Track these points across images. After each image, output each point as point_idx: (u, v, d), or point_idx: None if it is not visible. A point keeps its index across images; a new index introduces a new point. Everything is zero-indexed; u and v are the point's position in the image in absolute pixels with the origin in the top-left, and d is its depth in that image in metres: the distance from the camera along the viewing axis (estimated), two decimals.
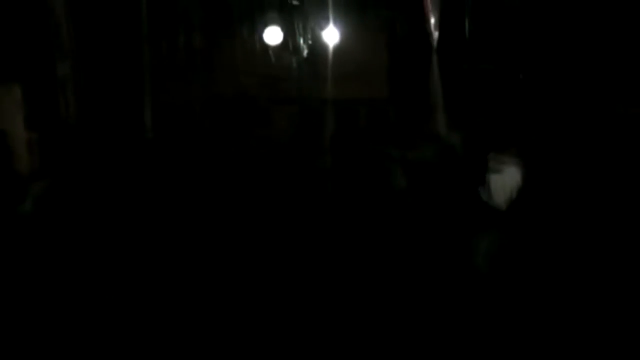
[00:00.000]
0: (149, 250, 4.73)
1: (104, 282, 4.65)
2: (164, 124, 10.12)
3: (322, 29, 10.67)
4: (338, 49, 10.60)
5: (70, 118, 9.27)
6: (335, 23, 10.57)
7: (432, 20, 8.59)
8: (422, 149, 5.95)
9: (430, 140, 7.54)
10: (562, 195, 5.21)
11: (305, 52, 10.91)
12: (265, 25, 10.81)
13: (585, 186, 5.28)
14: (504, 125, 8.56)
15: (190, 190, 7.17)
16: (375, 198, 5.93)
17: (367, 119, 11.50)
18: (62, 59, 9.18)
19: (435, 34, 8.61)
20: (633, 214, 4.57)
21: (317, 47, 10.85)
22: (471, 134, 8.54)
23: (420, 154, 5.79)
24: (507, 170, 6.33)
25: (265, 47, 10.91)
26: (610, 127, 8.17)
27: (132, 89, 9.85)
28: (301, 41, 10.91)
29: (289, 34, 10.91)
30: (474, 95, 9.54)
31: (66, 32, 9.08)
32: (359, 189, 6.52)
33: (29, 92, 9.64)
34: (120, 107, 9.72)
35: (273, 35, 10.85)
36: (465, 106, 9.14)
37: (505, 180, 6.24)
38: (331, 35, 10.61)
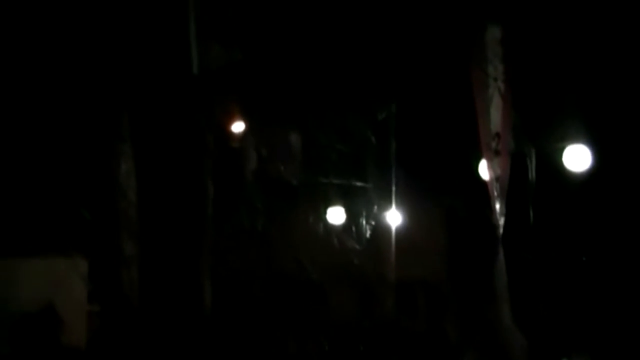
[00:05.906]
0: None
1: None
2: (223, 300, 10.11)
3: (385, 213, 10.70)
4: (400, 232, 10.60)
5: (133, 295, 9.34)
6: (398, 207, 10.61)
7: (497, 209, 8.57)
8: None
9: (489, 336, 7.38)
10: None
11: (368, 235, 10.93)
12: (330, 208, 10.88)
13: None
14: (572, 321, 8.36)
15: None
16: None
17: (426, 301, 11.34)
18: (129, 237, 9.37)
19: (500, 222, 8.57)
20: None
21: (379, 230, 10.85)
22: (537, 330, 8.34)
23: None
24: None
25: (329, 229, 10.94)
26: None
27: (194, 268, 9.94)
28: (364, 224, 10.96)
29: (352, 216, 10.96)
30: (538, 286, 9.39)
31: (135, 213, 9.29)
32: None
33: (94, 267, 9.82)
34: (181, 286, 9.78)
35: (336, 216, 10.89)
36: (529, 297, 8.98)
37: None
38: (393, 219, 10.63)
